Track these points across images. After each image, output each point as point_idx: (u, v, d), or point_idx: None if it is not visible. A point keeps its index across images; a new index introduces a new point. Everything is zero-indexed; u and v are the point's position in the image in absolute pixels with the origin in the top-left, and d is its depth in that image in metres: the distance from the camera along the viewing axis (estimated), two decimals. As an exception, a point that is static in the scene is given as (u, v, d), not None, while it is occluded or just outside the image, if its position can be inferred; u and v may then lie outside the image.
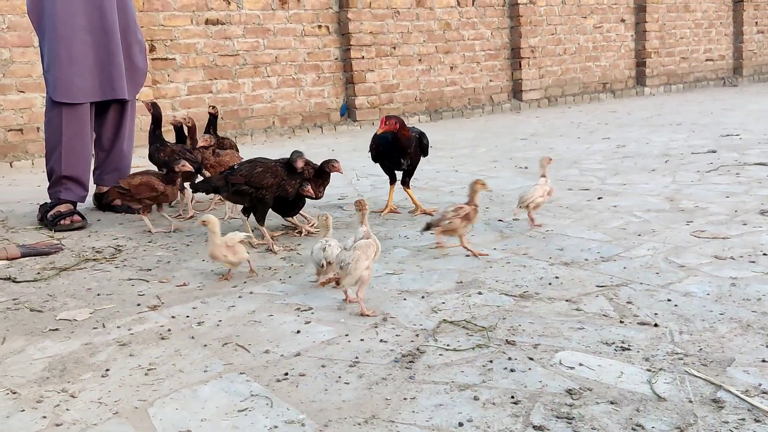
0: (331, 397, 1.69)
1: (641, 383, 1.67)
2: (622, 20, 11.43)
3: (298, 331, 2.12)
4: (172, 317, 2.29)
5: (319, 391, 1.72)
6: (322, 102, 8.57)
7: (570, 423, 1.51)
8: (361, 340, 2.03)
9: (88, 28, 3.79)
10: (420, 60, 9.23)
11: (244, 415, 1.62)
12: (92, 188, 4.27)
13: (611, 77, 11.39)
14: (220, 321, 2.24)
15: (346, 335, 2.07)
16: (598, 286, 2.37)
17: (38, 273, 2.92)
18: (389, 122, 3.51)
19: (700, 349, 1.84)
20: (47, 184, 4.07)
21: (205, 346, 2.04)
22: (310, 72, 8.40)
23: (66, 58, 3.74)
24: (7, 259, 3.12)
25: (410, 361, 1.86)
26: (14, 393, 1.80)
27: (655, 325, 2.02)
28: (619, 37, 11.45)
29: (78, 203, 3.98)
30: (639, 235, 2.99)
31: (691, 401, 1.58)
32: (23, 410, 1.71)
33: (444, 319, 2.14)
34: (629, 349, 1.86)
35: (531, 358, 1.83)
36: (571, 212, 3.47)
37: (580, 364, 1.79)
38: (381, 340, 2.02)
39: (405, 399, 1.65)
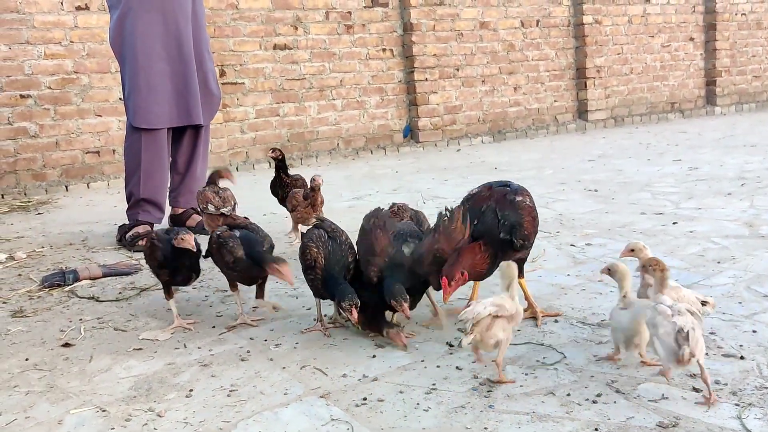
0: (411, 423, 1.69)
1: (730, 418, 1.62)
2: (691, 39, 11.18)
3: (374, 356, 2.14)
4: (251, 338, 2.34)
5: (398, 417, 1.73)
6: (386, 124, 8.64)
7: (658, 458, 1.47)
8: (437, 366, 2.03)
9: (166, 58, 3.94)
10: (483, 81, 9.22)
11: (326, 440, 1.64)
12: (168, 210, 4.40)
13: (680, 97, 11.13)
14: (297, 343, 2.27)
15: (422, 361, 2.08)
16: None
17: (120, 293, 3.02)
18: (454, 281, 2.14)
19: (791, 384, 1.78)
20: (124, 204, 4.22)
21: (284, 368, 2.07)
22: (374, 94, 8.50)
23: (145, 87, 3.89)
24: (90, 278, 3.24)
25: (488, 390, 1.85)
26: (104, 411, 1.87)
27: (741, 357, 1.96)
28: (687, 56, 11.19)
29: (155, 224, 4.11)
30: (718, 262, 2.90)
31: (785, 439, 1.53)
32: (113, 429, 1.77)
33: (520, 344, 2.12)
34: (716, 383, 1.80)
35: (615, 390, 1.80)
36: (645, 237, 3.40)
37: (665, 397, 1.74)
38: (457, 368, 2.01)
39: (486, 429, 1.64)
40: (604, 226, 3.70)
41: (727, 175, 5.08)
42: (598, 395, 1.77)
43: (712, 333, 2.14)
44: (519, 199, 2.30)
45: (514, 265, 1.97)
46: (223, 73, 7.42)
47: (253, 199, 5.22)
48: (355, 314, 2.11)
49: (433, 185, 5.59)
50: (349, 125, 8.37)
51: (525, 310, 2.38)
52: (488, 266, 2.24)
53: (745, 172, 5.18)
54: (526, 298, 2.42)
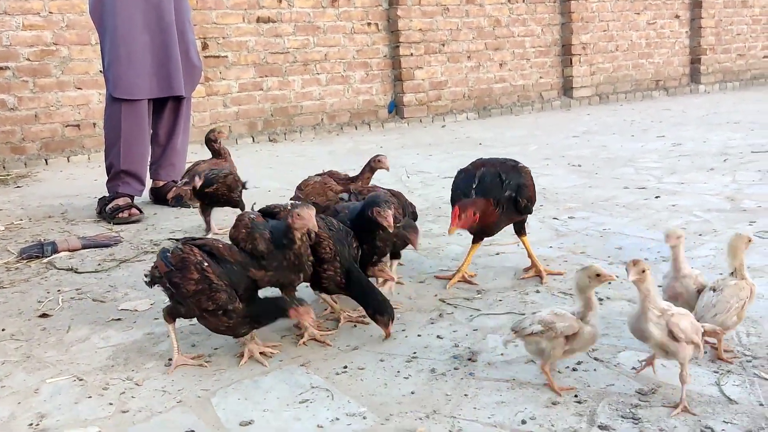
0: (391, 390, 1.69)
1: (709, 385, 1.63)
2: (677, 16, 11.16)
3: (355, 325, 2.13)
4: (231, 309, 2.32)
5: (378, 384, 1.72)
6: (371, 99, 8.58)
7: (636, 423, 1.48)
8: (419, 335, 2.02)
9: (146, 28, 3.87)
10: (469, 57, 9.16)
11: (305, 407, 1.63)
12: (149, 183, 4.35)
13: (665, 74, 11.14)
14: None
15: (403, 330, 2.07)
16: (659, 286, 2.31)
17: (99, 264, 2.99)
18: (466, 214, 2.22)
19: (769, 352, 1.79)
20: (104, 178, 4.17)
21: (265, 338, 2.06)
22: (358, 69, 8.42)
23: (125, 57, 3.83)
24: (69, 250, 3.20)
25: (469, 358, 1.84)
26: (81, 380, 1.85)
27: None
28: (673, 34, 11.18)
29: (135, 197, 4.06)
30: (700, 235, 2.91)
31: (761, 404, 1.53)
32: (90, 397, 1.75)
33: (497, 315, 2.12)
34: (695, 351, 1.81)
35: (594, 358, 1.80)
36: (628, 211, 3.41)
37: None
38: (438, 336, 2.01)
39: (466, 395, 1.64)
40: (587, 200, 3.71)
41: (710, 151, 5.10)
42: (579, 363, 1.77)
43: (692, 303, 2.14)
44: (521, 165, 2.47)
45: (589, 272, 1.68)
46: (205, 46, 7.31)
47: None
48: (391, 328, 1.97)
49: (418, 160, 5.57)
50: (334, 100, 8.31)
51: (528, 269, 2.52)
52: (496, 220, 2.32)
53: (728, 148, 5.20)
54: (530, 256, 2.50)
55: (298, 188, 2.88)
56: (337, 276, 2.01)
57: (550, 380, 1.64)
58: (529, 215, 2.49)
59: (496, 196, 2.31)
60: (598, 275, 1.66)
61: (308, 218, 1.82)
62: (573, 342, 1.62)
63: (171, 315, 1.92)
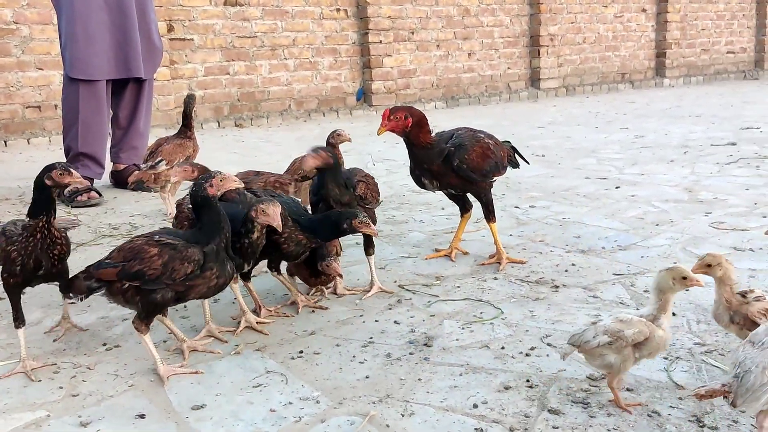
0: (346, 375, 1.69)
1: (658, 371, 1.66)
2: (644, 10, 11.30)
3: (313, 311, 2.12)
4: (188, 294, 2.30)
5: (333, 369, 1.72)
6: (339, 86, 8.54)
7: (586, 408, 1.50)
8: (376, 321, 2.03)
9: (104, 7, 3.79)
10: (438, 46, 9.17)
11: (258, 391, 1.62)
12: (109, 166, 4.28)
13: (630, 67, 11.28)
14: (235, 298, 2.24)
15: (361, 315, 2.07)
16: (615, 275, 2.35)
17: (55, 247, 2.93)
18: (395, 116, 2.31)
19: (717, 340, 1.82)
20: (64, 160, 4.09)
21: (220, 323, 2.04)
22: (327, 55, 8.37)
23: (82, 36, 3.75)
24: (25, 233, 3.13)
25: (424, 344, 1.85)
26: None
27: (673, 314, 2.00)
28: (639, 27, 11.32)
29: (95, 180, 3.99)
30: (657, 224, 2.96)
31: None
32: (40, 380, 1.72)
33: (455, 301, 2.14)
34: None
35: (548, 344, 1.82)
36: (588, 200, 3.45)
37: (596, 351, 1.77)
38: (395, 322, 2.01)
39: (420, 380, 1.65)
40: (549, 189, 3.74)
41: (671, 143, 5.18)
42: (532, 348, 1.79)
43: (646, 291, 2.18)
44: (481, 135, 2.48)
45: (675, 274, 1.53)
46: (171, 29, 7.20)
47: (199, 159, 5.11)
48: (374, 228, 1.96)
49: (384, 148, 5.56)
50: (302, 86, 8.25)
51: (491, 256, 2.53)
52: (429, 147, 2.36)
53: (689, 140, 5.29)
54: (495, 243, 2.52)
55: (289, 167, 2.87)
56: (294, 234, 1.94)
57: (618, 398, 1.49)
58: (487, 187, 2.49)
59: (444, 146, 2.38)
60: (684, 278, 1.51)
61: (272, 216, 1.79)
62: (642, 349, 1.47)
63: (146, 319, 1.72)
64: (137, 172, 3.37)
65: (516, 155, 2.72)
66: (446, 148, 2.38)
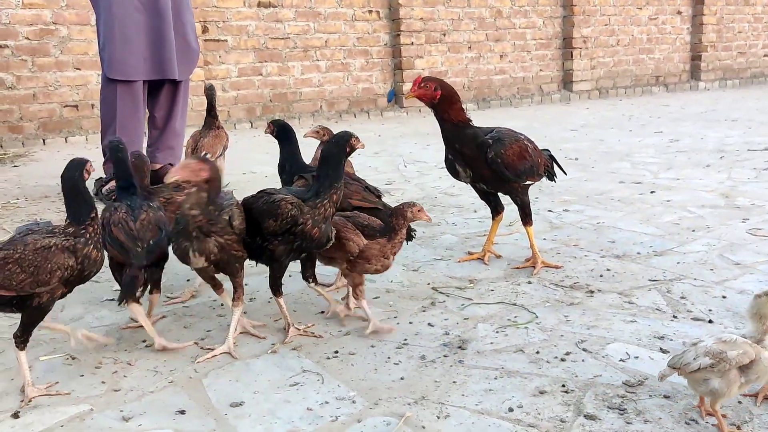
0: (381, 376, 1.70)
1: (695, 378, 1.65)
2: (679, 12, 11.15)
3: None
4: (225, 292, 2.33)
5: (369, 370, 1.74)
6: (370, 87, 8.57)
7: (622, 414, 1.50)
8: (410, 322, 2.04)
9: (141, 9, 3.86)
10: (470, 47, 9.15)
11: (295, 390, 1.64)
12: (145, 165, 4.34)
13: (665, 70, 11.14)
14: (271, 298, 2.26)
15: (395, 317, 2.08)
16: (650, 280, 2.33)
17: (94, 245, 2.99)
18: (426, 85, 2.32)
19: (757, 348, 1.80)
20: (102, 159, 4.16)
21: (257, 321, 2.07)
22: (359, 57, 8.41)
23: (120, 38, 3.82)
24: (65, 230, 3.20)
25: (459, 346, 1.86)
26: (74, 358, 1.86)
27: (710, 321, 1.99)
28: (674, 30, 11.17)
29: (132, 179, 4.06)
30: (693, 230, 2.93)
31: (747, 398, 1.55)
32: (83, 375, 1.77)
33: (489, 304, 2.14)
34: (684, 345, 1.83)
35: (583, 349, 1.82)
36: (622, 205, 3.42)
37: (633, 357, 1.77)
38: (429, 324, 2.02)
39: (454, 382, 1.66)
40: (583, 193, 3.72)
41: (706, 148, 5.11)
42: (567, 353, 1.79)
43: (683, 297, 2.16)
44: (522, 136, 2.46)
45: None
46: (205, 30, 7.29)
47: (233, 159, 5.17)
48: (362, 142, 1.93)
49: (416, 150, 5.57)
50: (333, 87, 8.29)
51: (527, 260, 2.53)
52: (460, 126, 2.35)
53: (725, 145, 5.21)
54: (531, 246, 2.50)
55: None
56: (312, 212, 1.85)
57: (721, 423, 1.40)
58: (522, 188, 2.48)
59: (480, 133, 2.38)
60: None
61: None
62: (749, 372, 1.38)
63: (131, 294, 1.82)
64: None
65: (554, 166, 2.70)
66: (482, 136, 2.37)
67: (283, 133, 2.38)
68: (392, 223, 1.94)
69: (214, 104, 3.60)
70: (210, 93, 3.60)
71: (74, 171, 1.73)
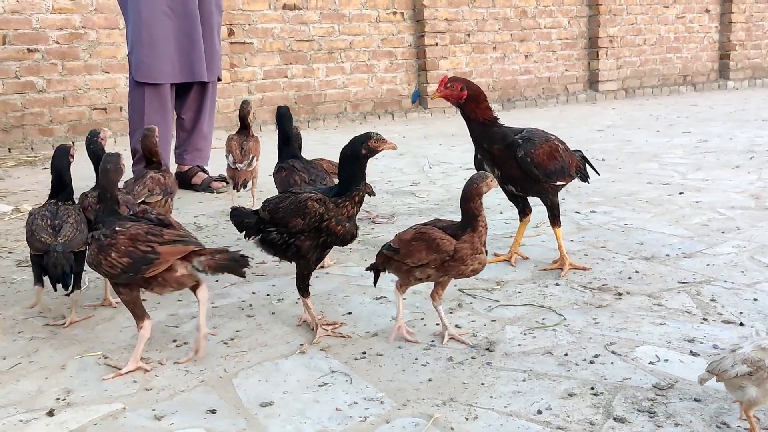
0: (409, 377, 1.71)
1: (727, 382, 1.63)
2: (707, 10, 11.01)
3: (375, 312, 2.15)
4: (253, 293, 2.36)
5: (397, 371, 1.74)
6: (394, 89, 8.58)
7: (652, 417, 1.49)
8: (437, 324, 2.04)
9: (169, 13, 3.91)
10: (494, 48, 9.12)
11: (324, 390, 1.66)
12: (173, 167, 4.39)
13: (692, 70, 11.00)
14: (298, 299, 2.28)
15: (422, 319, 2.09)
16: (680, 283, 2.31)
17: (124, 246, 3.03)
18: (452, 85, 2.32)
19: (789, 351, 1.78)
20: (130, 161, 4.22)
21: (285, 322, 2.09)
22: (383, 58, 8.42)
23: (148, 41, 3.87)
24: (95, 231, 3.25)
25: (486, 348, 1.86)
26: (106, 358, 1.89)
27: (741, 324, 1.97)
28: (702, 28, 11.03)
29: (160, 181, 4.11)
30: (723, 232, 2.89)
31: (780, 403, 1.53)
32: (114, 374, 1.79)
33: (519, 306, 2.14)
34: (714, 348, 1.81)
35: (612, 352, 1.81)
36: (651, 206, 3.39)
37: (662, 360, 1.75)
38: (456, 326, 2.02)
39: (482, 384, 1.66)
40: (610, 194, 3.69)
41: (736, 148, 5.04)
42: (596, 356, 1.78)
43: (713, 300, 2.14)
44: (552, 136, 2.47)
45: None
46: (231, 32, 7.36)
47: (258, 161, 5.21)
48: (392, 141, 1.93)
49: (440, 151, 5.57)
50: (358, 89, 8.32)
51: (555, 262, 2.51)
52: (488, 124, 2.35)
53: (755, 145, 5.14)
54: (559, 248, 2.49)
55: None
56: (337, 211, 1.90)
57: (753, 427, 1.40)
58: (542, 194, 2.48)
59: (509, 133, 2.39)
60: None
61: None
62: None
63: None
64: (242, 172, 3.37)
65: (587, 167, 2.68)
66: (511, 136, 2.37)
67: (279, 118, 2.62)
68: (470, 210, 1.86)
69: (246, 117, 3.55)
70: (242, 107, 3.55)
71: (61, 157, 2.29)
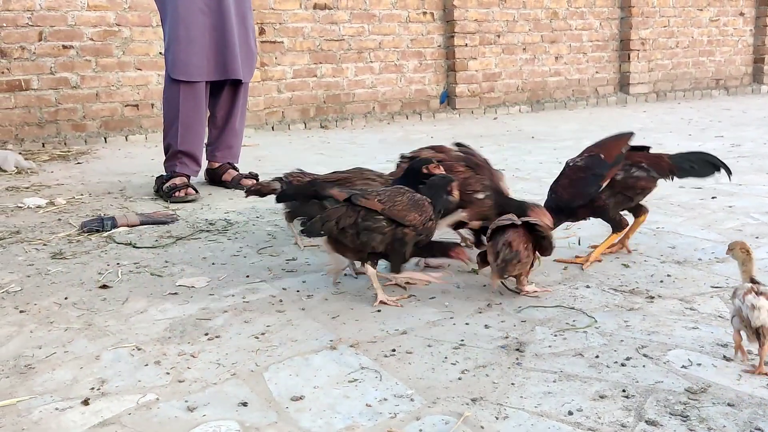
0: (439, 375, 1.71)
1: (761, 387, 1.61)
2: (742, 14, 10.85)
3: (405, 311, 2.15)
4: (283, 289, 2.38)
5: (426, 369, 1.75)
6: (423, 89, 8.58)
7: (685, 421, 1.47)
8: (466, 324, 2.04)
9: (206, 11, 3.95)
10: (524, 49, 9.08)
11: (354, 386, 1.67)
12: (204, 164, 4.45)
13: (726, 73, 10.85)
14: (327, 296, 2.30)
15: (451, 318, 2.09)
16: (713, 287, 2.28)
17: (156, 240, 3.08)
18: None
19: (826, 358, 1.75)
20: (162, 158, 4.28)
21: (315, 318, 2.11)
22: (412, 58, 8.43)
23: (185, 38, 3.91)
24: (128, 225, 3.31)
25: (516, 349, 1.86)
26: (139, 349, 1.92)
27: (776, 329, 1.93)
28: (736, 32, 10.88)
29: (191, 177, 4.16)
30: (756, 237, 2.85)
31: (816, 410, 1.51)
32: (147, 365, 1.82)
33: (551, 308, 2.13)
34: (748, 353, 1.79)
35: (644, 355, 1.79)
36: (683, 210, 3.35)
37: (695, 364, 1.73)
38: (486, 326, 2.02)
39: (513, 384, 1.66)
40: (641, 197, 3.65)
41: (770, 153, 4.96)
42: (627, 359, 1.77)
43: (746, 305, 2.11)
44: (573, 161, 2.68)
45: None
46: (262, 31, 7.42)
47: (287, 159, 5.26)
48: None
49: (468, 151, 5.55)
50: (386, 89, 8.34)
51: (577, 257, 2.60)
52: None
53: (790, 150, 5.05)
54: (600, 246, 2.60)
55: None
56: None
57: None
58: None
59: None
60: None
61: None
62: None
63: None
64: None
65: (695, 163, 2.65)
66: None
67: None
68: None
69: None
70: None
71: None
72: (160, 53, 6.61)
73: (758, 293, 1.65)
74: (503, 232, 2.18)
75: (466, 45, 8.59)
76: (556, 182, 2.61)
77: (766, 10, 10.87)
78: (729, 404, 1.54)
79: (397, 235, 2.15)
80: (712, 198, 3.59)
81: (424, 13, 8.41)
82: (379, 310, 2.17)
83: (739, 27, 10.91)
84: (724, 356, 1.77)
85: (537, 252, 2.27)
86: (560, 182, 2.59)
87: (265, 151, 5.79)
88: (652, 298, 2.20)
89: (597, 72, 9.71)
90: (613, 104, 9.56)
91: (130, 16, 6.83)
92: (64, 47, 6.57)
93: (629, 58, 9.75)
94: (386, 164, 5.02)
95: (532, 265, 2.27)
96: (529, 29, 9.06)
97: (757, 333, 1.62)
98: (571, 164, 2.63)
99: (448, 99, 8.74)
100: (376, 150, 5.85)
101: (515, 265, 2.15)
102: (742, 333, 1.69)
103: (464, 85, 8.66)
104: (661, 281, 2.35)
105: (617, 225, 2.58)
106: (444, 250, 2.31)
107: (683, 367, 1.73)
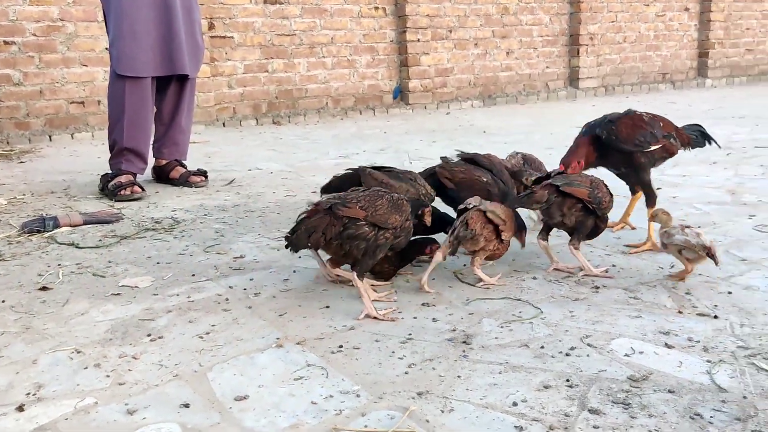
0: (386, 370, 1.70)
1: (700, 373, 1.64)
2: (686, 9, 11.11)
3: (352, 307, 2.14)
4: (230, 287, 2.34)
5: (373, 364, 1.74)
6: (376, 84, 8.57)
7: (627, 408, 1.49)
8: (414, 317, 2.04)
9: (151, 5, 3.86)
10: (476, 44, 9.14)
11: (300, 384, 1.65)
12: (151, 161, 4.36)
13: (672, 67, 11.10)
14: (275, 293, 2.27)
15: (400, 312, 2.08)
16: (656, 277, 2.32)
17: (100, 240, 3.00)
18: (573, 168, 2.72)
19: (761, 343, 1.80)
20: (108, 155, 4.18)
21: (262, 316, 2.08)
22: (365, 54, 8.40)
23: (129, 33, 3.82)
24: (70, 225, 3.22)
25: (464, 341, 1.86)
26: (79, 352, 1.87)
27: (715, 317, 1.98)
28: (682, 27, 11.13)
29: (138, 175, 4.07)
30: (699, 226, 2.91)
31: (752, 393, 1.55)
32: (87, 368, 1.77)
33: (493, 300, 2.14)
34: (688, 340, 1.82)
35: (588, 344, 1.81)
36: (627, 201, 3.40)
37: (637, 352, 1.76)
38: (434, 319, 2.02)
39: (459, 377, 1.66)
40: (589, 189, 3.70)
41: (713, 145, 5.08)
42: (572, 348, 1.79)
43: (688, 293, 2.16)
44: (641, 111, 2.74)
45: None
46: (211, 26, 7.30)
47: (238, 156, 5.18)
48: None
49: (421, 146, 5.57)
50: (339, 84, 8.30)
51: (644, 243, 2.68)
52: (595, 159, 2.70)
53: (732, 142, 5.19)
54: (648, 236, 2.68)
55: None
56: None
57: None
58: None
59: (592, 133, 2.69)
60: None
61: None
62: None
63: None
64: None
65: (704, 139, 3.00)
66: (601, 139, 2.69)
67: None
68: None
69: None
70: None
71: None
72: (106, 49, 6.44)
73: (688, 227, 2.22)
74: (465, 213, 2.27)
75: (419, 40, 8.61)
76: (617, 118, 2.67)
77: (710, 5, 11.14)
78: (670, 391, 1.57)
79: (379, 239, 2.11)
80: (657, 189, 3.65)
81: (376, 8, 8.39)
82: (327, 306, 2.15)
83: (684, 22, 11.16)
84: (666, 344, 1.80)
85: (501, 239, 2.27)
86: (623, 120, 2.66)
87: (216, 148, 5.70)
88: (597, 288, 2.23)
89: (547, 67, 9.83)
90: (563, 99, 9.69)
91: (74, 11, 6.65)
92: (6, 43, 6.36)
93: (578, 53, 9.90)
94: (339, 160, 5.00)
95: (498, 254, 2.33)
96: (480, 24, 9.12)
97: (707, 250, 2.16)
98: (638, 112, 2.73)
99: (401, 94, 8.74)
100: (329, 145, 5.82)
101: (468, 241, 2.22)
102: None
103: (417, 80, 8.68)
104: (606, 271, 2.39)
105: (650, 197, 2.77)
106: (420, 248, 2.34)
107: (626, 355, 1.75)
